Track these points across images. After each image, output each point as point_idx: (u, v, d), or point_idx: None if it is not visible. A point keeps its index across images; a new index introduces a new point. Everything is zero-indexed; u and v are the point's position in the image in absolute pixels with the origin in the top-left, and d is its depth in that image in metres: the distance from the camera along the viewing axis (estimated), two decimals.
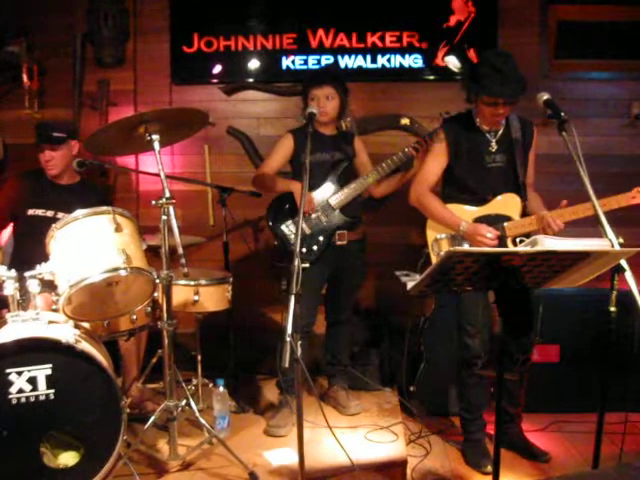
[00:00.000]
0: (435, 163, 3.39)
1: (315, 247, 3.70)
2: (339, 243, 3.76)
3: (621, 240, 2.45)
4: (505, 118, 3.31)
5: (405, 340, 4.16)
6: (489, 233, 3.18)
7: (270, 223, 3.79)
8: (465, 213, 3.32)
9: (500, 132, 3.32)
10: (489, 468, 3.23)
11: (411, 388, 4.07)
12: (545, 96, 2.96)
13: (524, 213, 3.29)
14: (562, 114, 2.83)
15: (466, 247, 3.21)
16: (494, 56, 3.20)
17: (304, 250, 3.66)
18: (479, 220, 3.29)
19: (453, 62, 4.70)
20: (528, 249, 2.20)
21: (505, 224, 3.25)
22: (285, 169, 3.91)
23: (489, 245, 3.16)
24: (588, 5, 4.72)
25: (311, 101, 3.73)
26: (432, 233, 3.38)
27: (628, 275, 2.39)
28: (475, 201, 3.34)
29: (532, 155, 3.39)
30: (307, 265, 3.59)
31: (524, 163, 3.33)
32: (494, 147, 3.31)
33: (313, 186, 3.70)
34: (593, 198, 2.59)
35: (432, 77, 4.77)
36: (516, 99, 3.15)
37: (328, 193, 3.75)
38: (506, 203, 3.30)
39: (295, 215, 3.70)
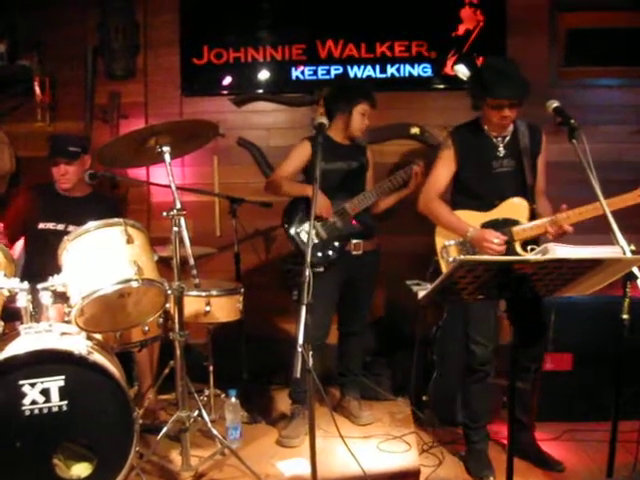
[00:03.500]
0: (443, 170, 3.41)
1: (330, 252, 3.71)
2: (355, 253, 3.77)
3: (633, 247, 2.44)
4: (512, 124, 3.32)
5: (417, 349, 4.15)
6: (496, 239, 3.19)
7: (286, 226, 3.78)
8: (473, 218, 3.32)
9: (508, 137, 3.34)
10: (491, 479, 3.25)
11: (424, 398, 4.05)
12: (555, 104, 2.97)
13: (532, 217, 3.29)
14: (572, 121, 2.83)
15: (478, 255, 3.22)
16: (496, 60, 3.30)
17: (319, 254, 3.68)
18: (487, 225, 3.29)
19: (462, 71, 4.70)
20: (539, 257, 2.20)
21: (513, 228, 3.25)
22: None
23: (496, 251, 3.17)
24: (597, 12, 4.72)
25: (360, 115, 3.75)
26: (441, 240, 3.38)
27: None
28: (483, 206, 3.34)
29: (542, 161, 3.39)
30: (321, 269, 3.62)
31: (532, 168, 3.33)
32: (502, 152, 3.32)
33: (330, 193, 3.69)
34: (604, 205, 2.58)
35: (441, 86, 4.78)
36: (520, 101, 3.17)
37: (344, 199, 3.77)
38: (514, 207, 3.30)
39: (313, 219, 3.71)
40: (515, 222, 3.27)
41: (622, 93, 4.73)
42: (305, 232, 3.71)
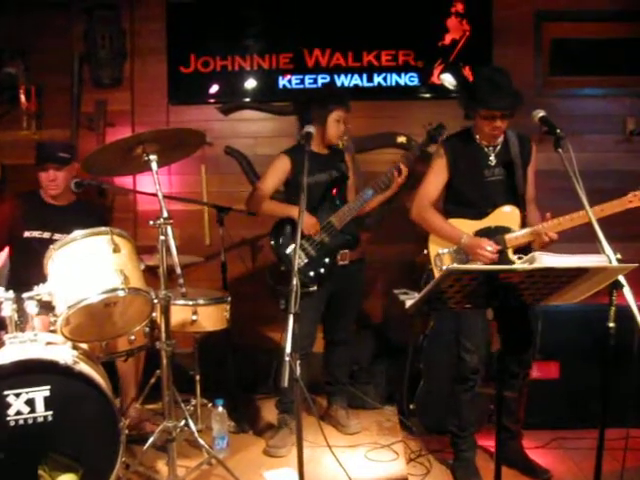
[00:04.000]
0: (436, 179, 3.43)
1: (322, 270, 3.67)
2: (341, 263, 3.75)
3: (619, 256, 2.45)
4: (503, 134, 3.35)
5: (404, 358, 4.15)
6: (489, 246, 3.21)
7: (275, 246, 3.74)
8: (466, 227, 3.34)
9: (498, 147, 3.37)
10: None
11: (411, 406, 4.05)
12: (540, 113, 2.99)
13: (523, 224, 3.32)
14: (558, 131, 2.84)
15: (467, 265, 3.24)
16: (490, 70, 3.32)
17: (311, 274, 3.64)
18: (480, 233, 3.32)
19: (449, 80, 4.73)
20: (526, 266, 2.20)
21: (505, 236, 3.27)
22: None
23: (489, 258, 3.19)
24: (581, 23, 4.77)
25: (335, 122, 3.71)
26: (435, 248, 3.39)
27: (626, 291, 2.38)
28: (475, 214, 3.36)
29: (531, 171, 3.42)
30: (315, 288, 3.60)
31: (523, 177, 3.37)
32: (493, 161, 3.35)
33: (313, 207, 3.67)
34: (590, 214, 2.59)
35: (428, 95, 4.81)
36: (513, 112, 3.18)
37: (328, 213, 3.73)
38: (505, 215, 3.33)
39: (301, 239, 3.63)
40: (507, 230, 3.29)
41: (607, 103, 4.77)
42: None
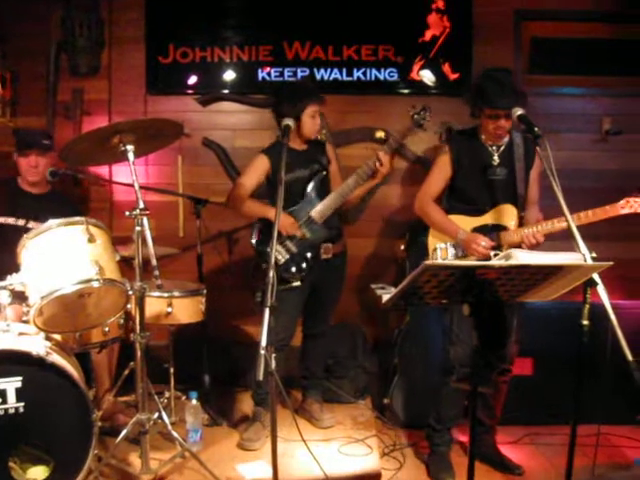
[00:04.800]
0: (439, 175, 3.50)
1: (304, 264, 3.66)
2: (324, 257, 3.74)
3: (594, 254, 2.48)
4: (509, 134, 3.39)
5: (380, 352, 4.16)
6: (484, 242, 3.27)
7: (255, 244, 3.72)
8: (464, 223, 3.40)
9: (503, 147, 3.41)
10: None
11: (385, 400, 4.07)
12: (519, 111, 3.03)
13: (521, 224, 3.37)
14: (536, 129, 2.88)
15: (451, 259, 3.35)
16: (495, 70, 3.35)
17: (293, 269, 3.64)
18: (477, 229, 3.38)
19: (428, 76, 4.73)
20: (502, 262, 2.21)
21: (500, 233, 3.32)
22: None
23: (483, 253, 3.26)
24: (561, 22, 4.79)
25: (311, 118, 3.67)
26: (434, 241, 3.48)
27: (600, 289, 2.41)
28: (475, 212, 3.42)
29: (535, 173, 3.46)
30: (298, 283, 3.59)
31: (524, 177, 3.41)
32: (496, 160, 3.39)
33: (293, 203, 3.66)
34: (566, 212, 2.63)
35: (407, 91, 4.80)
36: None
37: (309, 207, 3.71)
38: (503, 214, 3.38)
39: (281, 236, 3.62)
40: (504, 228, 3.35)
41: (585, 102, 4.80)
42: (276, 252, 3.57)
